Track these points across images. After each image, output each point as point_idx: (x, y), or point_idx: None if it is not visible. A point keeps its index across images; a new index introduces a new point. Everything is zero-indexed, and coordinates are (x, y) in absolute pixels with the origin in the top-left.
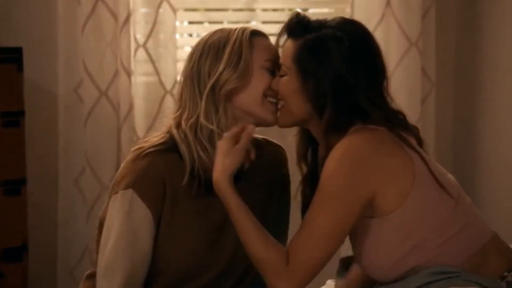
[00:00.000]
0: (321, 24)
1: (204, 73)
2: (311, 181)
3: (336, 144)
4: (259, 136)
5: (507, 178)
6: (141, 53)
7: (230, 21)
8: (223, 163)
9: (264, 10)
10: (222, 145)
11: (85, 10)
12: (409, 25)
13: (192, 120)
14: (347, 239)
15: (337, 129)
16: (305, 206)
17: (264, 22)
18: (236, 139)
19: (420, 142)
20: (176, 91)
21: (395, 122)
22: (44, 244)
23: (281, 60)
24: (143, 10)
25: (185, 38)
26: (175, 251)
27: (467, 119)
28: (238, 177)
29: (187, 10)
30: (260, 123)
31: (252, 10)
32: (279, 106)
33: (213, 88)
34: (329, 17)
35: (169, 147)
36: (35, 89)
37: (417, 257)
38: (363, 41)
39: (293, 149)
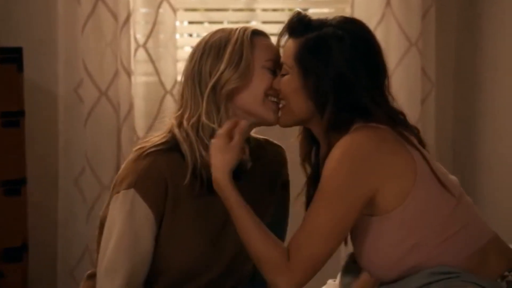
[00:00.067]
0: (322, 23)
1: (205, 72)
2: (315, 182)
3: (338, 142)
4: (260, 137)
5: (507, 178)
6: (141, 53)
7: (230, 21)
8: (222, 160)
9: (264, 10)
10: (217, 142)
11: (85, 10)
12: (409, 25)
13: (193, 120)
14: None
15: (339, 127)
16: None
17: (264, 22)
18: (230, 136)
19: (422, 143)
20: (176, 91)
21: (397, 120)
22: (44, 244)
23: (282, 59)
24: (143, 10)
25: (185, 38)
26: (176, 251)
27: (467, 119)
28: (239, 177)
29: (187, 10)
30: (261, 122)
31: (252, 10)
32: (281, 105)
33: (214, 87)
34: (330, 16)
35: (170, 146)
36: (35, 89)
37: (418, 256)
38: (364, 40)
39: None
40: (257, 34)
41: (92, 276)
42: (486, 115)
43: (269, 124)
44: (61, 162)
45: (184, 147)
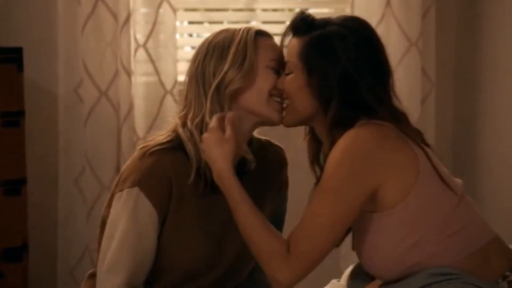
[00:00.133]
0: (326, 22)
1: (209, 73)
2: None
3: (341, 137)
4: (262, 138)
5: (507, 178)
6: (141, 53)
7: (230, 21)
8: (221, 152)
9: (264, 10)
10: (212, 136)
11: (85, 10)
12: (409, 25)
13: (197, 120)
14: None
15: (343, 125)
16: None
17: (264, 22)
18: (222, 129)
19: (425, 143)
20: (176, 91)
21: (400, 118)
22: (44, 244)
23: (286, 58)
24: (143, 10)
25: (185, 38)
26: (179, 251)
27: (467, 119)
28: (242, 177)
29: (187, 10)
30: (265, 122)
31: (252, 10)
32: (284, 105)
33: (218, 87)
34: (334, 16)
35: (175, 145)
36: (35, 89)
37: (418, 254)
38: (368, 38)
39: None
40: (260, 34)
41: (93, 276)
42: (486, 115)
43: (273, 124)
44: (61, 162)
45: (189, 146)
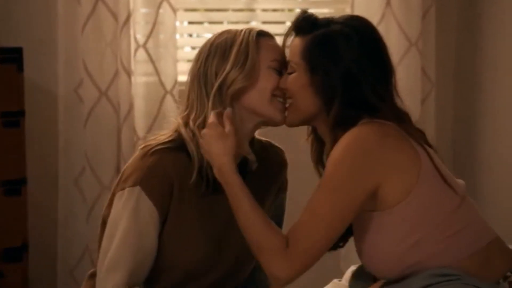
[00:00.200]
0: (328, 21)
1: (211, 73)
2: None
3: (344, 135)
4: (263, 139)
5: (507, 178)
6: (141, 53)
7: (230, 21)
8: (223, 147)
9: (264, 10)
10: (213, 131)
11: (85, 10)
12: (409, 25)
13: (200, 120)
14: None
15: (345, 123)
16: None
17: (264, 23)
18: (221, 125)
19: (428, 144)
20: (176, 91)
21: (402, 117)
22: (44, 244)
23: (288, 58)
24: (143, 10)
25: (185, 38)
26: (180, 250)
27: (467, 119)
28: (243, 177)
29: (187, 10)
30: (267, 122)
31: (252, 10)
32: (287, 104)
33: (220, 88)
34: (336, 15)
35: (177, 145)
36: (35, 89)
37: (418, 253)
38: (371, 37)
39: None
40: (262, 35)
41: (94, 276)
42: (486, 115)
43: (275, 124)
44: (61, 162)
45: (191, 146)
